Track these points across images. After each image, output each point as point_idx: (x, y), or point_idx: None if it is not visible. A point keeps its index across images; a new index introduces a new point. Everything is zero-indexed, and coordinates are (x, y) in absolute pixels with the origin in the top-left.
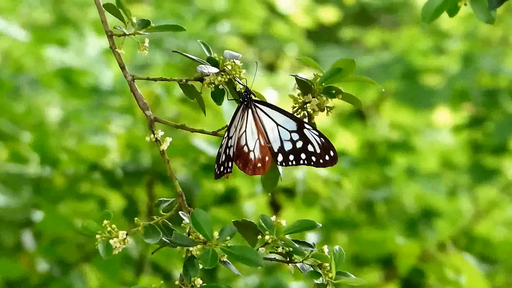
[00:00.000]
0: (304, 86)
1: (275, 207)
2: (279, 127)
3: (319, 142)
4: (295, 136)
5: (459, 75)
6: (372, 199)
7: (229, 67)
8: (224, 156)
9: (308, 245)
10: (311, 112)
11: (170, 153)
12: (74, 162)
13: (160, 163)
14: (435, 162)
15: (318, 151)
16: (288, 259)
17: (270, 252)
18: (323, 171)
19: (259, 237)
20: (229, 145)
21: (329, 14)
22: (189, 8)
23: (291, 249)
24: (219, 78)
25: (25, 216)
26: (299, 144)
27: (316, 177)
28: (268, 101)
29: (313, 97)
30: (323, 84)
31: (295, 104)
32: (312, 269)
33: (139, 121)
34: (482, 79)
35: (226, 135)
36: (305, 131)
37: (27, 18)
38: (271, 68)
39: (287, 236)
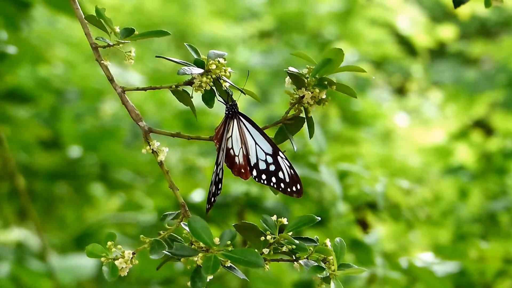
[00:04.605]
0: (297, 80)
1: (363, 225)
2: (257, 146)
3: (289, 173)
4: (270, 159)
5: None
6: (494, 210)
7: (214, 66)
8: (214, 187)
9: (311, 240)
10: (307, 106)
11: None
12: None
13: (248, 192)
14: None
15: (287, 180)
16: (294, 258)
17: (275, 253)
18: (404, 182)
19: (262, 238)
20: (217, 171)
21: (448, 32)
22: (301, 38)
23: (294, 246)
24: (204, 79)
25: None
26: (272, 168)
27: (396, 188)
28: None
29: (306, 90)
30: (316, 76)
31: (292, 100)
32: (316, 264)
33: None
34: None
35: (215, 164)
36: (279, 158)
37: (155, 64)
38: (400, 91)
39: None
